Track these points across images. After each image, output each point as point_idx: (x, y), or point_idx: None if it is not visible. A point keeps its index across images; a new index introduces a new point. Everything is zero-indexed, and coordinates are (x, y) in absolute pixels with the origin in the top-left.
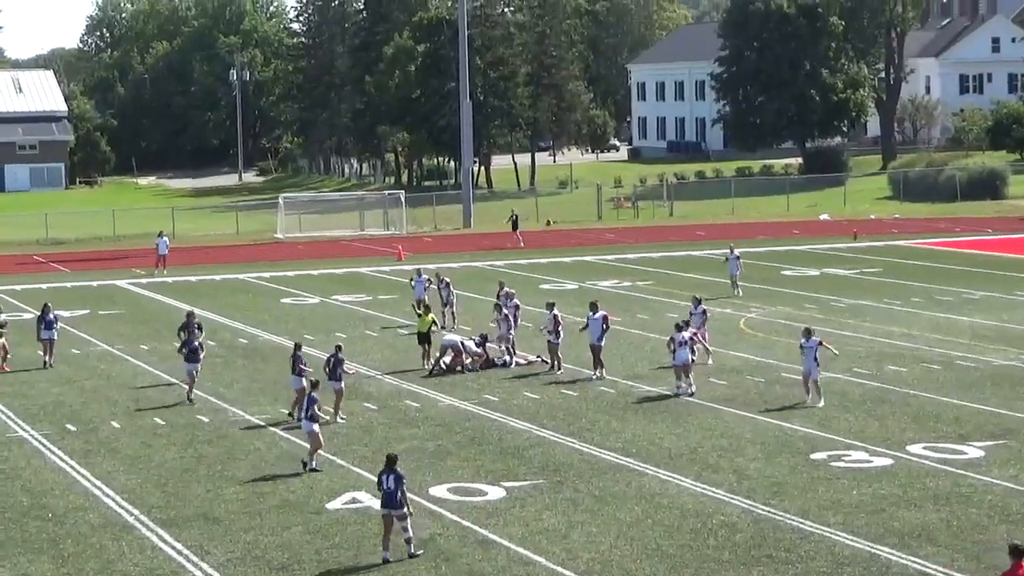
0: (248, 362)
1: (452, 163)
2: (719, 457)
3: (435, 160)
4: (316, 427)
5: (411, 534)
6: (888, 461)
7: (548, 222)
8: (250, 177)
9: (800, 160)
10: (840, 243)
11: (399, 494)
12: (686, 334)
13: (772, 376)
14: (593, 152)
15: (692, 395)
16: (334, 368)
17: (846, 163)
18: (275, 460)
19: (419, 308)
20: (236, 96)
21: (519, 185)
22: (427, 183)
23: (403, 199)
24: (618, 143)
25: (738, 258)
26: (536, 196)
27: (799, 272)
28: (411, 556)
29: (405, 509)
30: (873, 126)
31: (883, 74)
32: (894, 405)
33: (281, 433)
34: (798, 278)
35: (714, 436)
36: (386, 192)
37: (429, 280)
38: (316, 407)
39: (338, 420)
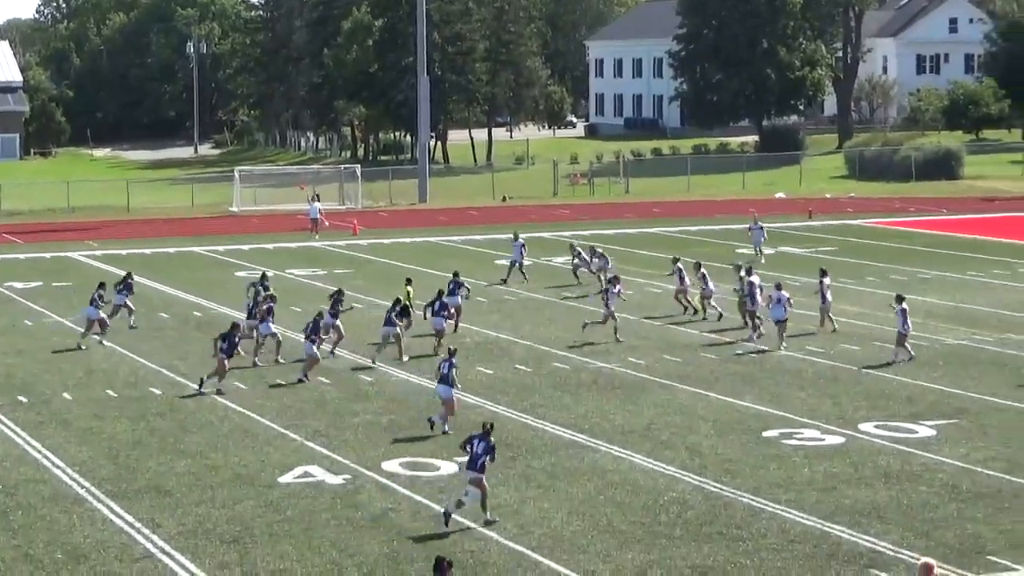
0: (202, 335)
1: (409, 138)
2: (672, 434)
3: (392, 134)
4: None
5: (465, 502)
6: (840, 439)
7: (504, 198)
8: (206, 150)
9: (757, 138)
10: (795, 221)
11: (483, 460)
12: (785, 292)
13: (726, 354)
14: (550, 128)
15: (784, 346)
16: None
17: (802, 142)
18: (227, 433)
19: (512, 270)
20: (193, 69)
21: (475, 160)
22: (383, 157)
23: (359, 173)
24: (575, 120)
25: (762, 228)
26: (492, 172)
27: (752, 250)
28: (447, 516)
29: (483, 476)
30: (830, 105)
31: (840, 53)
32: (846, 383)
33: (233, 406)
34: (749, 256)
35: (667, 413)
36: (343, 166)
37: (524, 245)
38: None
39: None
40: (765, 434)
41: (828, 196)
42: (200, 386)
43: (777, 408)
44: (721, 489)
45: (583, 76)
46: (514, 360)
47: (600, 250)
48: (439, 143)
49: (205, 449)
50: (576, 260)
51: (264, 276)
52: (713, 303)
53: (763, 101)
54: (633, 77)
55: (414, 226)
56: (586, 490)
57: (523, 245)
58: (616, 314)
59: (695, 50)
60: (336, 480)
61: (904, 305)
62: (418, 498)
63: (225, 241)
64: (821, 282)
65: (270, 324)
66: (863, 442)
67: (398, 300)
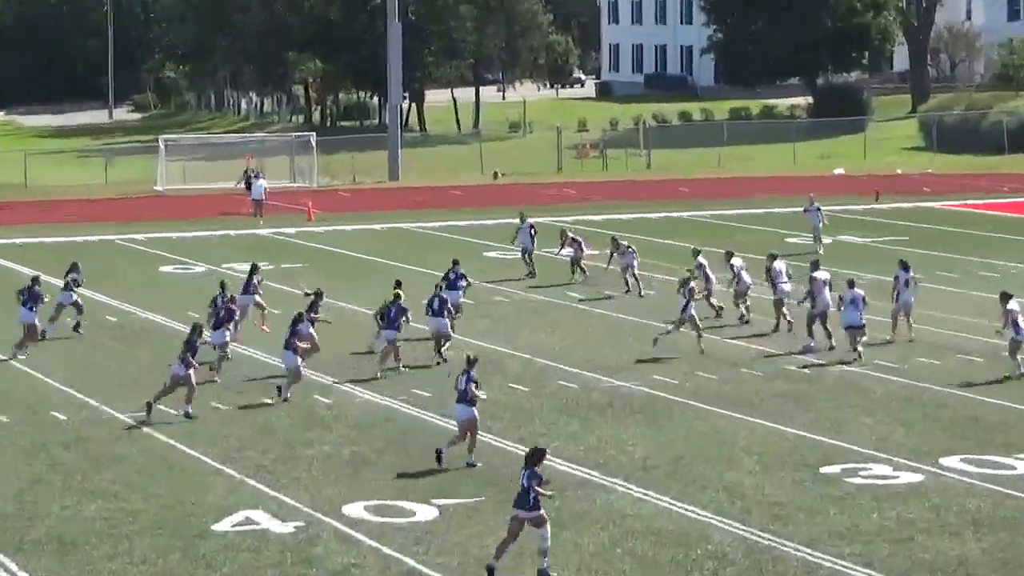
0: (118, 346)
1: (376, 99)
2: (706, 469)
3: (355, 95)
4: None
5: (548, 544)
6: (917, 477)
7: (495, 174)
8: (124, 114)
9: (809, 100)
10: (858, 204)
11: (532, 494)
12: (859, 291)
13: (773, 368)
14: (552, 88)
15: (859, 359)
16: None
17: (867, 104)
18: (149, 469)
19: (529, 261)
20: (107, 12)
21: (459, 127)
22: (344, 123)
23: (314, 143)
24: (583, 77)
25: (819, 209)
26: (480, 142)
27: (807, 240)
28: (542, 573)
29: (541, 512)
30: (900, 59)
31: None
32: (925, 406)
33: (157, 435)
34: (806, 247)
35: (700, 443)
36: (294, 135)
37: (533, 227)
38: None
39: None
40: (823, 470)
41: (899, 172)
42: (148, 412)
43: (838, 438)
44: (769, 539)
45: (593, 22)
46: (508, 377)
47: (626, 243)
48: (414, 106)
49: (121, 489)
50: (565, 249)
51: (223, 286)
52: (748, 304)
53: (817, 54)
54: (656, 23)
55: (383, 209)
56: (599, 540)
57: (532, 228)
58: (692, 320)
59: None
60: (285, 528)
61: (1013, 305)
62: (388, 551)
63: (147, 228)
64: (897, 278)
65: (225, 332)
66: (946, 480)
67: (397, 297)
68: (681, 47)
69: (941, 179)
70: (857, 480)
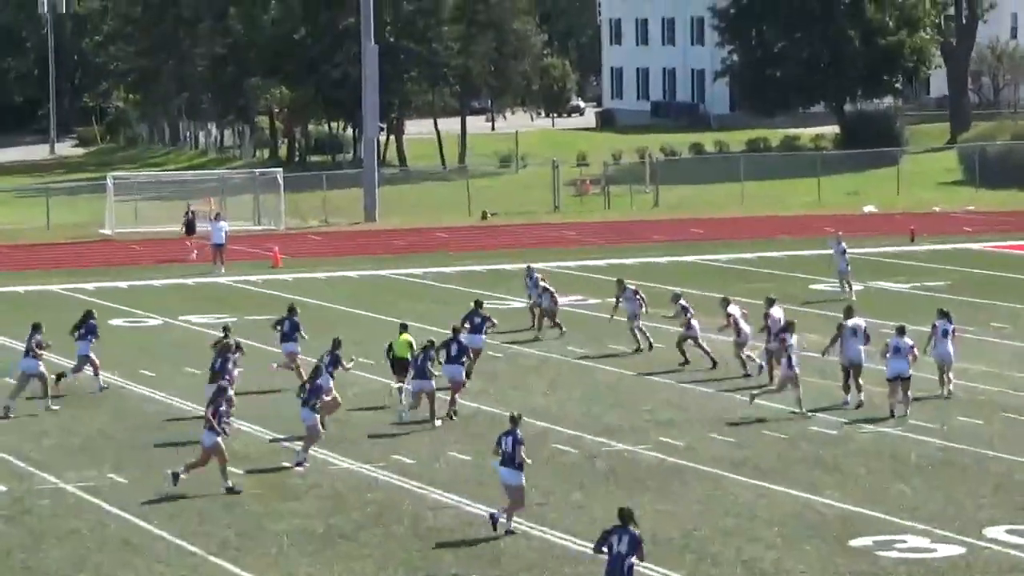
0: (65, 409)
1: (350, 131)
2: (722, 543)
3: (326, 126)
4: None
5: None
6: (958, 550)
7: (484, 214)
8: (67, 148)
9: (837, 130)
10: (892, 246)
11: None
12: (908, 340)
13: (797, 430)
14: (548, 117)
15: (905, 415)
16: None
17: (900, 134)
18: (100, 545)
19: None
20: (47, 34)
21: (444, 162)
22: (315, 158)
23: (281, 180)
24: (583, 104)
25: (844, 252)
26: (467, 178)
27: (836, 286)
28: None
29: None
30: (938, 82)
31: (952, 10)
32: (966, 471)
33: (109, 508)
34: (834, 295)
35: (715, 514)
36: (258, 171)
37: (543, 279)
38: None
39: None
40: (853, 543)
41: (937, 210)
42: (174, 482)
43: (869, 506)
44: None
45: (593, 44)
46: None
47: (633, 288)
48: (392, 138)
49: (68, 569)
50: (534, 291)
51: (226, 329)
52: (750, 354)
53: (845, 77)
54: (663, 44)
55: (358, 254)
56: None
57: (541, 281)
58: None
59: (750, 7)
60: None
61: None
62: None
63: (94, 276)
64: (935, 327)
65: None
66: (990, 554)
67: (430, 343)
68: (692, 71)
69: (984, 217)
70: (891, 554)
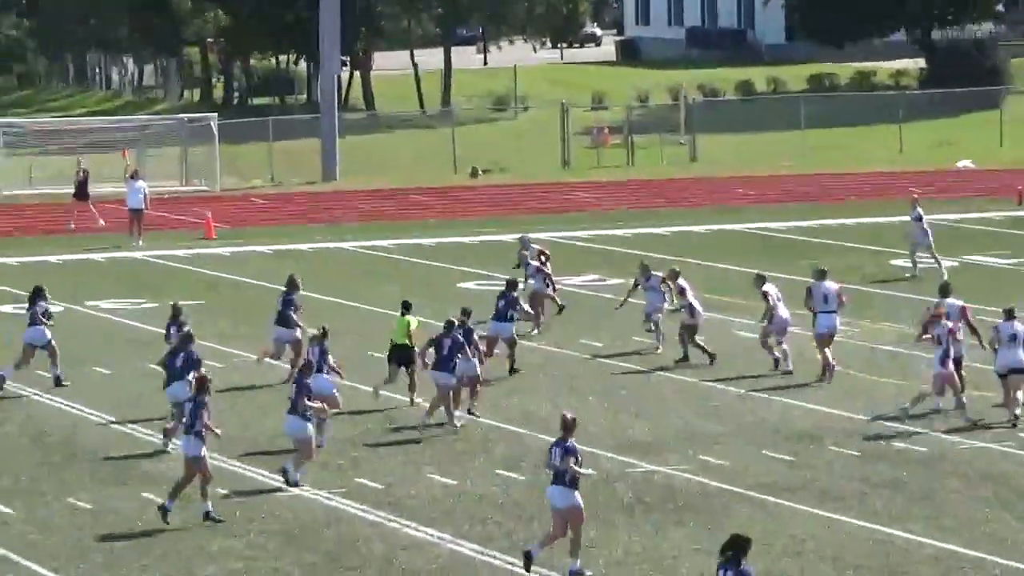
0: None
1: (303, 66)
2: None
3: (273, 60)
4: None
5: None
6: None
7: (474, 170)
8: None
9: (923, 64)
10: (994, 211)
11: None
12: (1020, 326)
13: (872, 446)
14: (556, 47)
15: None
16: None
17: (1003, 68)
18: None
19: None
20: None
21: (422, 105)
22: (259, 101)
23: (216, 129)
24: (600, 33)
25: (921, 218)
26: (453, 125)
27: (921, 262)
28: None
29: None
30: None
31: None
32: None
33: None
34: (921, 270)
35: (770, 553)
36: (186, 117)
37: (543, 254)
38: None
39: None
40: None
41: None
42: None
43: (967, 544)
44: None
45: None
46: (495, 460)
47: (660, 275)
48: (358, 75)
49: None
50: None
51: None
52: (784, 347)
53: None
54: None
55: (313, 222)
56: None
57: (538, 257)
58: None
59: None
60: None
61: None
62: None
63: None
64: None
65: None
66: None
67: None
68: None
69: None
70: None
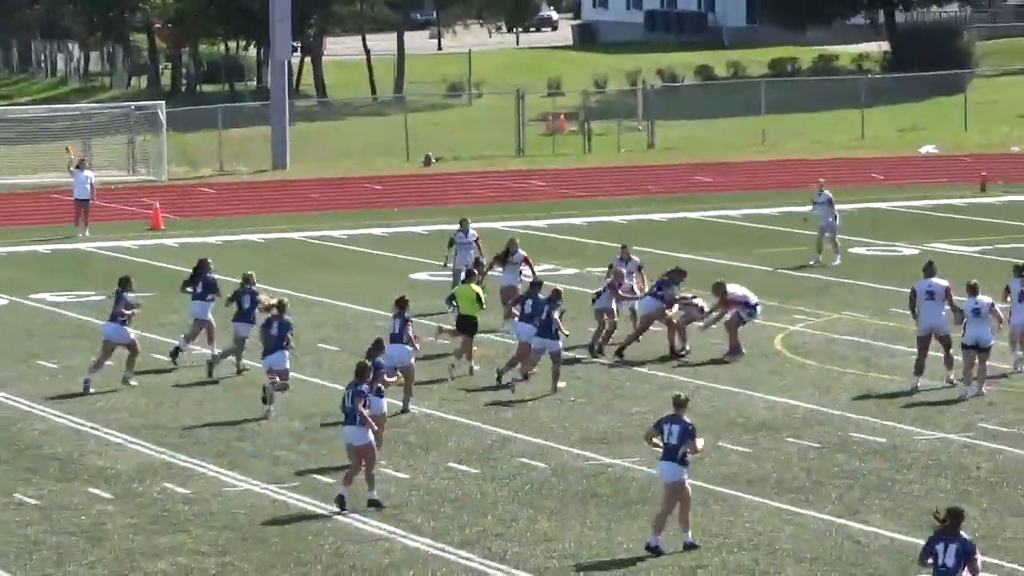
0: None
1: (253, 51)
2: None
3: (222, 46)
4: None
5: None
6: None
7: (427, 158)
8: None
9: (886, 47)
10: (957, 196)
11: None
12: (985, 298)
13: (832, 438)
14: (511, 31)
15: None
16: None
17: (969, 52)
18: None
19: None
20: None
21: (375, 91)
22: (207, 88)
23: (163, 117)
24: (556, 16)
25: (830, 201)
26: (406, 112)
27: (882, 249)
28: None
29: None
30: None
31: None
32: None
33: None
34: (880, 260)
35: (728, 546)
36: (133, 105)
37: (479, 239)
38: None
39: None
40: None
41: (1016, 150)
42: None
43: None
44: None
45: None
46: (447, 453)
47: (639, 262)
48: (309, 61)
49: None
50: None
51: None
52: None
53: None
54: None
55: (264, 211)
56: None
57: (477, 242)
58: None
59: None
60: None
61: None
62: None
63: None
64: (1010, 289)
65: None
66: None
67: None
68: None
69: None
70: None
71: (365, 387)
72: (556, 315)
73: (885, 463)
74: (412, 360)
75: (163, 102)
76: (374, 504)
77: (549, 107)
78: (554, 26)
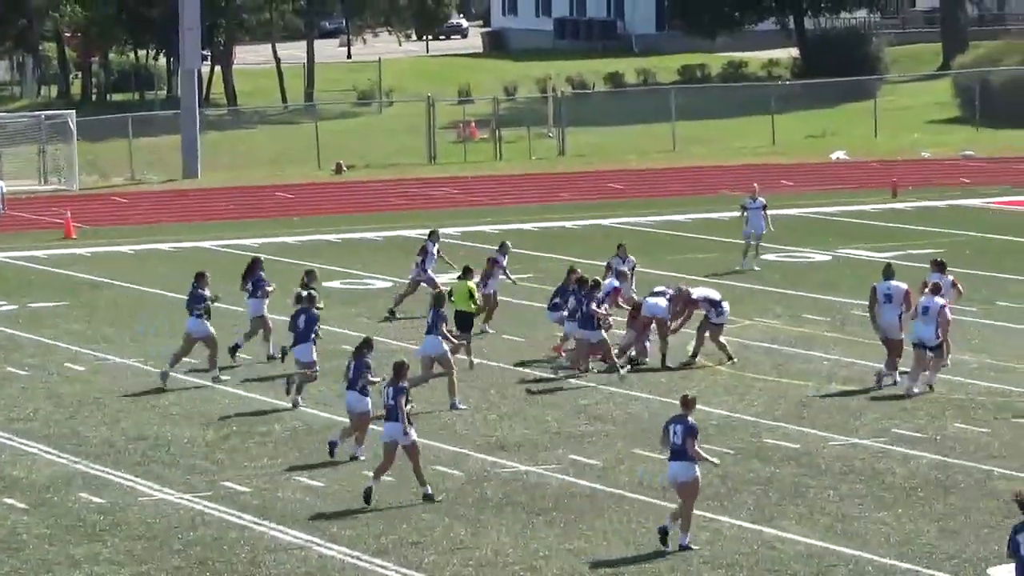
0: None
1: (163, 60)
2: None
3: (132, 55)
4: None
5: None
6: None
7: (339, 166)
8: None
9: (795, 53)
10: (869, 202)
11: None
12: (897, 284)
13: (745, 444)
14: (421, 40)
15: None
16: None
17: (878, 58)
18: None
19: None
20: None
21: (285, 100)
22: (118, 97)
23: (74, 126)
24: (466, 24)
25: (764, 207)
26: (317, 120)
27: (792, 256)
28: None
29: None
30: None
31: None
32: (965, 494)
33: None
34: (790, 267)
35: (643, 553)
36: (42, 115)
37: (436, 252)
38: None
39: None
40: None
41: (926, 156)
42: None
43: (841, 541)
44: None
45: None
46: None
47: (634, 261)
48: (219, 70)
49: None
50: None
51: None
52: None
53: None
54: None
55: (175, 220)
56: None
57: (435, 253)
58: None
59: None
60: None
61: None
62: None
63: None
64: (926, 284)
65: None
66: None
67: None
68: None
69: (986, 165)
70: None
71: (406, 384)
72: (594, 306)
73: (799, 469)
74: (446, 348)
75: (73, 111)
76: (428, 499)
77: (460, 115)
78: (464, 34)
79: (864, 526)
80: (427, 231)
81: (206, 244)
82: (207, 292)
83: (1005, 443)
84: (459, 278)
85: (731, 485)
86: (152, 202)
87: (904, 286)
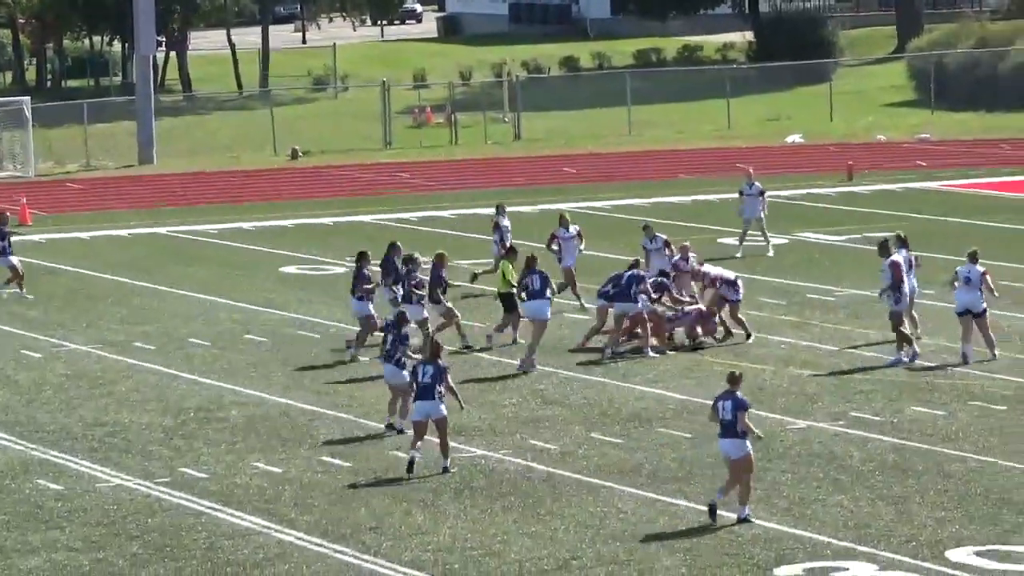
0: None
1: (118, 46)
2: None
3: (87, 41)
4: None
5: None
6: None
7: (294, 152)
8: None
9: (750, 37)
10: (824, 186)
11: None
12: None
13: (703, 428)
14: (376, 25)
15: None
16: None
17: (833, 41)
18: None
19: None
20: None
21: (240, 86)
22: (73, 83)
23: (29, 112)
24: (420, 8)
25: (762, 193)
26: (271, 105)
27: (749, 239)
28: None
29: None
30: None
31: None
32: (921, 477)
33: None
34: (747, 250)
35: (601, 537)
36: None
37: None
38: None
39: None
40: (779, 572)
41: (881, 139)
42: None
43: (800, 525)
44: None
45: None
46: (317, 448)
47: (665, 238)
48: (174, 55)
49: None
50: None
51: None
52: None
53: None
54: None
55: (131, 206)
56: None
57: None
58: None
59: None
60: None
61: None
62: None
63: None
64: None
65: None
66: None
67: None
68: None
69: (942, 148)
70: None
71: (444, 363)
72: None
73: (757, 452)
74: (548, 312)
75: (28, 98)
76: (446, 471)
77: (415, 100)
78: (418, 18)
79: (822, 509)
80: (495, 205)
81: (162, 230)
82: (371, 274)
83: (962, 426)
84: (503, 257)
85: (688, 469)
86: (108, 188)
87: (982, 269)
